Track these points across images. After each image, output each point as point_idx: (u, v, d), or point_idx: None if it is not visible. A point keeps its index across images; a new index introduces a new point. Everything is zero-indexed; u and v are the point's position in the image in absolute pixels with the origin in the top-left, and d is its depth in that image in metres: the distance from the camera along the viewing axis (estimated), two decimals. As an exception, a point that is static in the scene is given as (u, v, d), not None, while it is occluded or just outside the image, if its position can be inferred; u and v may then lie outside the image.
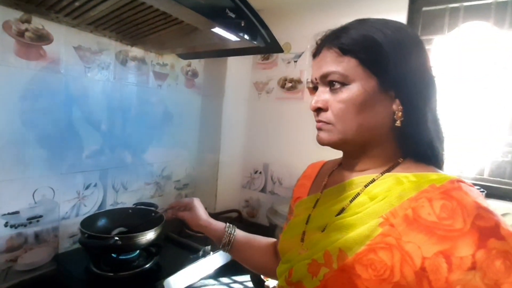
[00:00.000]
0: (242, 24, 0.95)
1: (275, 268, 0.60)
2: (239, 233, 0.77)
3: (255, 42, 1.02)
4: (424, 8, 1.27)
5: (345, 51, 0.48)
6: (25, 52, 0.92)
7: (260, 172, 1.63)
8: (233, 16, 0.91)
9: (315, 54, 0.55)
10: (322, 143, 0.54)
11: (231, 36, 0.96)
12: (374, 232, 0.45)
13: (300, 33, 1.48)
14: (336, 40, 0.50)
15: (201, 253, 1.08)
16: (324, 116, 0.52)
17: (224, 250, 0.76)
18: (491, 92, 1.17)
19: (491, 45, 1.17)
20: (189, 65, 1.49)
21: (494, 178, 1.18)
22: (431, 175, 0.47)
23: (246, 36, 0.98)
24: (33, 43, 0.93)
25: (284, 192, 1.55)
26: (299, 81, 1.50)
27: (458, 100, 1.21)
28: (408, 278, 0.40)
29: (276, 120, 1.57)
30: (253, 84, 1.66)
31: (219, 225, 0.78)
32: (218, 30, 0.91)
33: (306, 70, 1.48)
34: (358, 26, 0.50)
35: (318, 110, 0.53)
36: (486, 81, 1.18)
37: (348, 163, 0.58)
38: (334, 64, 0.49)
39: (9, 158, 0.92)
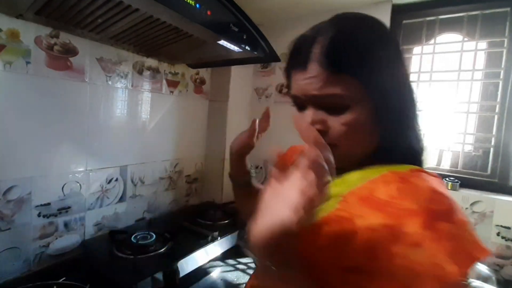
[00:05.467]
0: (244, 37, 0.95)
1: None
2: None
3: (255, 53, 1.03)
4: (404, 21, 1.28)
5: (342, 68, 0.39)
6: (54, 64, 0.93)
7: (261, 167, 1.64)
8: (237, 30, 0.92)
9: (296, 65, 0.44)
10: None
11: (234, 48, 0.97)
12: (332, 207, 0.42)
13: (295, 44, 1.49)
14: (327, 52, 0.40)
15: (209, 238, 1.09)
16: (324, 138, 0.41)
17: (235, 181, 0.71)
18: (462, 94, 1.18)
19: (463, 53, 1.18)
20: (197, 74, 1.50)
21: (467, 170, 1.19)
22: (394, 166, 0.43)
23: (247, 48, 0.99)
24: (61, 56, 0.94)
25: (282, 185, 1.56)
26: (294, 87, 1.51)
27: (434, 101, 1.22)
28: (356, 248, 0.37)
29: (274, 121, 1.56)
30: (254, 89, 1.67)
31: (248, 164, 0.71)
32: (223, 42, 0.92)
33: (300, 77, 1.49)
34: (345, 31, 0.41)
35: None
36: (458, 84, 1.19)
37: None
38: (332, 84, 0.40)
39: (41, 156, 0.93)
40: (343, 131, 0.42)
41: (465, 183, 1.13)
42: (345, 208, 0.41)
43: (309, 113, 0.44)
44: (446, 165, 1.23)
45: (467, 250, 0.34)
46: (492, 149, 1.13)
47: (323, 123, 0.43)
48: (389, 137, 0.44)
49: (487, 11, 1.13)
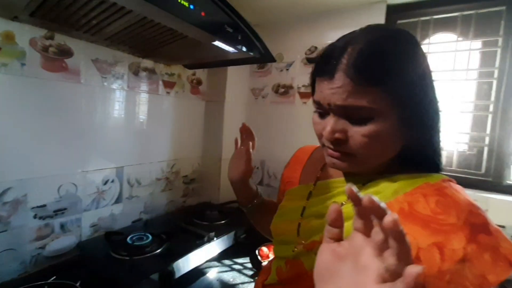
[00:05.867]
0: (239, 38, 0.95)
1: None
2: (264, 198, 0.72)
3: (251, 53, 1.03)
4: (399, 21, 1.29)
5: (369, 81, 0.39)
6: (49, 65, 0.93)
7: (258, 168, 1.64)
8: (231, 31, 0.92)
9: (324, 73, 0.43)
10: (338, 169, 0.48)
11: (229, 49, 0.97)
12: None
13: (291, 44, 1.49)
14: (354, 64, 0.40)
15: (206, 239, 1.09)
16: (343, 147, 0.44)
17: (248, 207, 0.70)
18: (457, 93, 1.19)
19: (457, 53, 1.19)
20: (194, 74, 1.50)
21: (462, 169, 1.19)
22: (425, 175, 0.45)
23: (243, 48, 0.99)
24: (56, 57, 0.94)
25: (278, 185, 1.56)
26: (290, 87, 1.51)
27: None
28: None
29: (271, 122, 1.59)
30: (251, 90, 1.67)
31: (253, 185, 0.72)
32: (218, 43, 0.92)
33: (296, 77, 1.49)
34: (373, 44, 0.41)
35: (335, 140, 0.44)
36: (453, 84, 1.19)
37: None
38: (357, 96, 0.40)
39: (37, 158, 0.93)
40: (364, 142, 0.42)
41: (460, 182, 1.10)
42: None
43: (330, 121, 0.44)
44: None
45: (506, 258, 0.36)
46: (486, 148, 1.14)
47: (344, 133, 0.43)
48: (414, 146, 0.45)
49: (482, 11, 1.14)
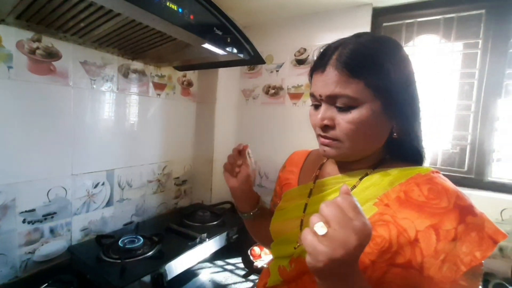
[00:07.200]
0: (229, 40, 0.96)
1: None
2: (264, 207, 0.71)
3: (241, 56, 1.04)
4: (385, 24, 1.32)
5: (353, 73, 0.45)
6: (37, 68, 0.92)
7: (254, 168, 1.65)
8: (220, 33, 0.92)
9: (318, 68, 0.50)
10: (329, 157, 0.53)
11: (219, 51, 0.97)
12: (370, 210, 0.47)
13: (280, 46, 1.51)
14: (342, 59, 0.46)
15: (198, 240, 1.09)
16: (331, 133, 0.49)
17: (250, 215, 0.69)
18: (440, 93, 1.22)
19: (440, 54, 1.22)
20: (184, 76, 1.50)
21: (446, 167, 1.23)
22: (416, 168, 0.49)
23: (232, 50, 0.99)
24: (44, 60, 0.93)
25: (270, 185, 1.58)
26: (280, 88, 1.53)
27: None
28: (404, 247, 0.42)
29: (262, 122, 1.60)
30: (241, 91, 1.68)
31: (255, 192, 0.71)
32: (207, 46, 0.93)
33: (286, 78, 1.51)
34: (361, 44, 0.47)
35: (324, 127, 0.50)
36: (436, 84, 1.23)
37: (341, 162, 0.57)
38: (342, 85, 0.46)
39: (25, 162, 0.92)
40: (348, 129, 0.47)
41: None
42: (386, 211, 0.46)
43: (321, 110, 0.50)
44: (426, 162, 1.27)
45: (489, 236, 0.41)
46: (468, 146, 1.18)
47: (332, 120, 0.49)
48: (400, 137, 0.50)
49: (462, 14, 1.18)
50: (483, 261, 0.40)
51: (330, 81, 0.47)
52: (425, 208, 0.43)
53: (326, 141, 0.50)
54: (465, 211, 0.42)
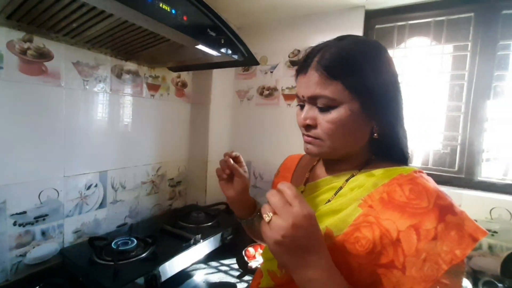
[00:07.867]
0: (222, 41, 0.96)
1: None
2: None
3: (234, 57, 1.04)
4: (377, 26, 1.34)
5: (332, 75, 0.47)
6: (28, 69, 0.91)
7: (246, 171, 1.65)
8: (214, 34, 0.92)
9: (301, 70, 0.52)
10: (311, 155, 0.54)
11: (213, 52, 0.97)
12: (355, 212, 0.47)
13: (274, 47, 1.52)
14: (323, 62, 0.48)
15: (192, 241, 1.08)
16: (313, 132, 0.51)
17: (248, 220, 0.70)
18: (431, 94, 1.24)
19: (431, 56, 1.25)
20: (178, 77, 1.50)
21: (437, 167, 1.25)
22: (399, 168, 0.50)
23: (226, 52, 0.99)
24: (35, 60, 0.92)
25: (265, 186, 1.58)
26: (275, 89, 1.53)
27: (406, 102, 1.27)
28: (387, 248, 0.43)
29: (256, 123, 1.60)
30: (236, 92, 1.68)
31: (251, 198, 0.72)
32: (201, 47, 0.93)
33: (280, 79, 1.52)
34: (341, 48, 0.48)
35: (307, 126, 0.52)
36: (427, 85, 1.25)
37: (328, 163, 0.59)
38: (322, 87, 0.48)
39: (16, 163, 0.90)
40: (329, 128, 0.49)
41: (435, 179, 1.14)
42: (370, 213, 0.47)
43: (304, 111, 0.52)
44: (418, 162, 1.29)
45: (469, 234, 0.41)
46: (458, 147, 1.20)
47: (313, 119, 0.51)
48: (382, 138, 0.51)
49: (452, 17, 1.20)
50: (464, 259, 0.40)
51: (311, 82, 0.49)
52: (406, 209, 0.44)
53: (309, 139, 0.52)
54: (445, 210, 0.42)
